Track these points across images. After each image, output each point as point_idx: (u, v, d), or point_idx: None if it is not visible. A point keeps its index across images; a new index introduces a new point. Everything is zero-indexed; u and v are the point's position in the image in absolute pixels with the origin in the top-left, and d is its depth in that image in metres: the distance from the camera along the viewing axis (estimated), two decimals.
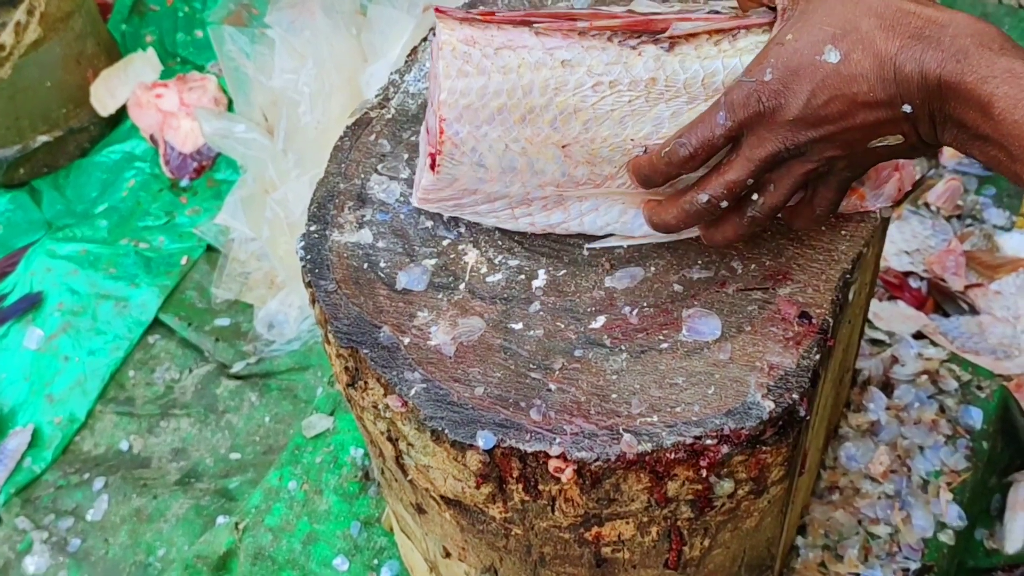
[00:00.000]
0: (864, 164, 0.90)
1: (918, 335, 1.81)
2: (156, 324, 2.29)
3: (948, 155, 2.21)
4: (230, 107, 2.58)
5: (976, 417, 1.62)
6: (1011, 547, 1.63)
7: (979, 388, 1.66)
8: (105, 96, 2.68)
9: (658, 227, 0.97)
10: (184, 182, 2.56)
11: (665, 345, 0.97)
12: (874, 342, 1.75)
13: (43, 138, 2.61)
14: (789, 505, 1.20)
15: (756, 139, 0.87)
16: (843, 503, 1.53)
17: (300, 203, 2.10)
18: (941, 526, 1.53)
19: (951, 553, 1.53)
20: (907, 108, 0.82)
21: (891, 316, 1.83)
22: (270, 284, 2.28)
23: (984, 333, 1.91)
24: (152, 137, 2.60)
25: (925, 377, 1.67)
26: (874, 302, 1.81)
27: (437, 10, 0.95)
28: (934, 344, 1.76)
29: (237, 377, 2.16)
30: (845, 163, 0.88)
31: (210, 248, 2.40)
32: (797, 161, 0.88)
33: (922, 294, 2.01)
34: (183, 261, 2.39)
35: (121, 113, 2.68)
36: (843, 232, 1.05)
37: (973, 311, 1.98)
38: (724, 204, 0.90)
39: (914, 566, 1.49)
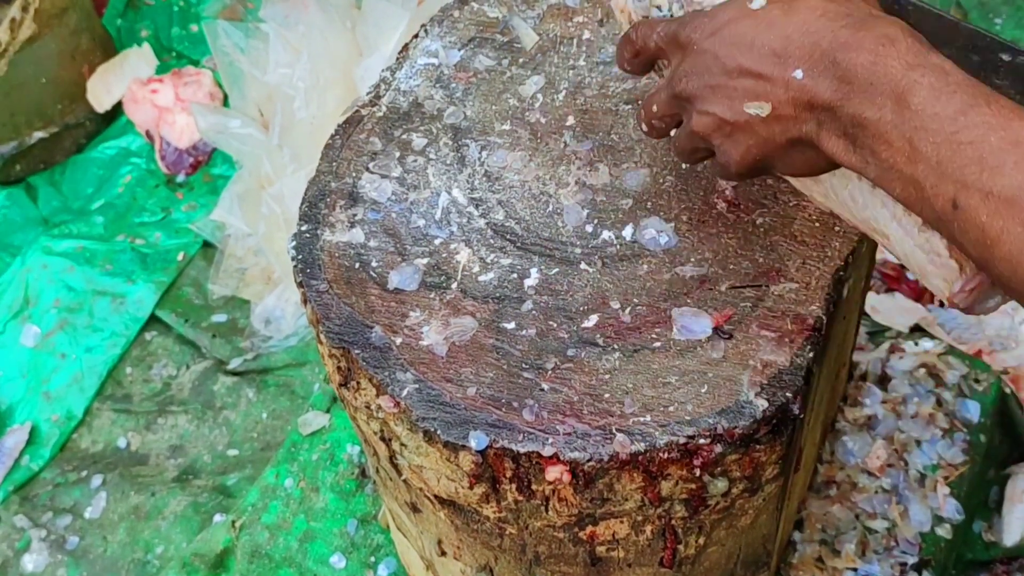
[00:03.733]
0: (742, 150, 0.86)
1: (916, 328, 1.80)
2: (153, 320, 2.28)
3: None
4: (225, 102, 2.57)
5: (973, 410, 1.62)
6: (1009, 539, 1.63)
7: (976, 381, 1.66)
8: (101, 92, 2.67)
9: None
10: (180, 177, 2.56)
11: (658, 344, 0.97)
12: (871, 335, 1.74)
13: (39, 134, 2.61)
14: (785, 502, 1.20)
15: (673, 64, 0.90)
16: (840, 498, 1.53)
17: (296, 198, 2.10)
18: (939, 520, 1.52)
19: (949, 547, 1.53)
20: (798, 73, 0.79)
21: (888, 309, 1.83)
22: (267, 280, 2.28)
23: (982, 325, 1.90)
24: (148, 133, 2.59)
25: (923, 370, 1.67)
26: (871, 295, 1.80)
27: None
28: (932, 337, 1.76)
29: (234, 373, 2.16)
30: (726, 134, 0.86)
31: (206, 244, 2.40)
32: (690, 110, 0.89)
33: (919, 286, 2.01)
34: (180, 257, 2.38)
35: (117, 109, 2.68)
36: (836, 228, 1.04)
37: None
38: (643, 127, 0.96)
39: (912, 560, 1.49)
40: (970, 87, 0.72)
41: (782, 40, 0.79)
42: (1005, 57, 1.05)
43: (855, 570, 1.47)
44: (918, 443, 1.59)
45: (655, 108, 0.92)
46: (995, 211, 0.68)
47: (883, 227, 0.89)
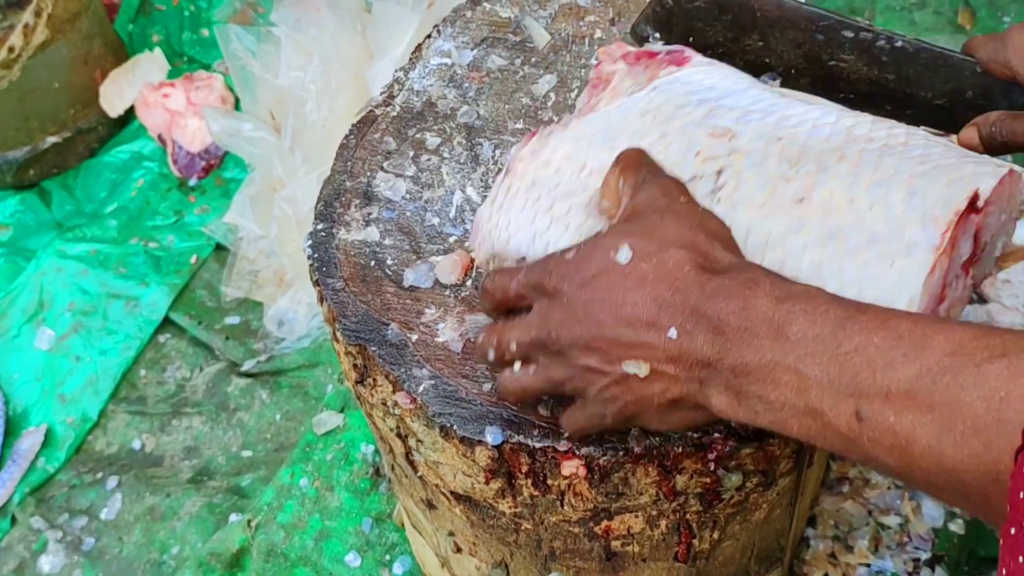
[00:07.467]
0: (618, 406, 0.83)
1: None
2: (166, 323, 2.29)
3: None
4: (237, 105, 2.58)
5: None
6: None
7: None
8: (114, 97, 2.68)
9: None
10: (192, 181, 2.57)
11: None
12: None
13: (52, 139, 2.62)
14: (798, 497, 1.20)
15: (538, 309, 0.85)
16: (853, 494, 1.53)
17: (308, 200, 2.11)
18: (951, 516, 1.52)
19: (962, 543, 1.53)
20: (672, 332, 0.77)
21: None
22: (279, 282, 2.29)
23: (993, 322, 1.90)
24: (160, 136, 2.60)
25: None
26: None
27: None
28: None
29: (248, 375, 2.17)
30: (602, 386, 0.83)
31: (219, 247, 2.41)
32: (560, 360, 0.84)
33: None
34: (193, 260, 2.40)
35: (129, 113, 2.69)
36: None
37: (982, 300, 1.97)
38: (490, 355, 0.89)
39: (925, 556, 1.49)
40: (840, 303, 0.73)
41: (652, 299, 0.78)
42: (848, 34, 1.10)
43: (868, 566, 1.47)
44: None
45: (513, 347, 0.87)
46: (900, 408, 0.67)
47: None
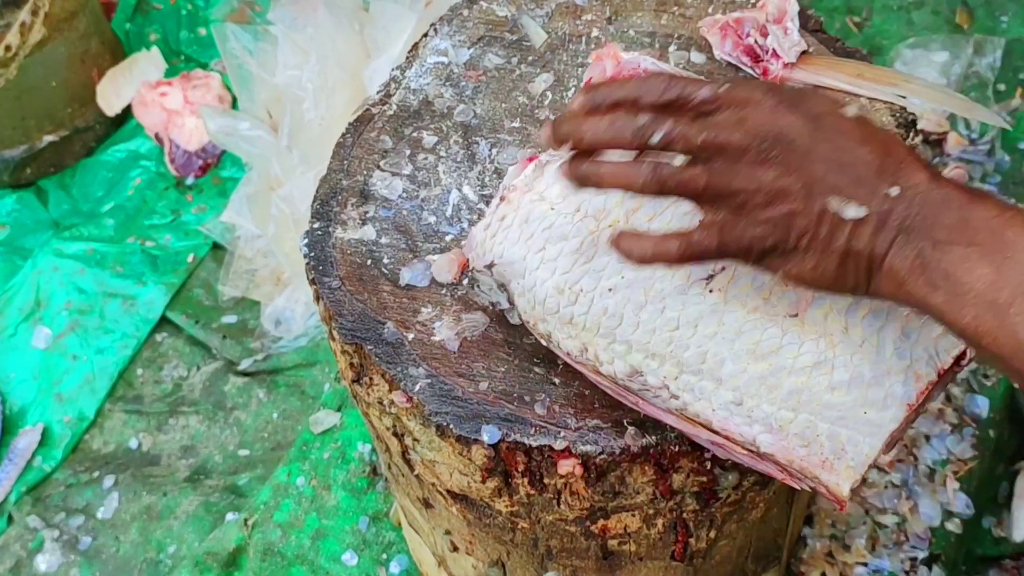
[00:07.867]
0: (822, 242, 0.78)
1: None
2: (163, 322, 2.29)
3: (952, 143, 2.20)
4: (234, 104, 2.58)
5: (982, 405, 1.62)
6: (1018, 535, 1.63)
7: (985, 376, 1.66)
8: (111, 96, 2.68)
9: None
10: (189, 180, 2.56)
11: None
12: None
13: (49, 138, 2.62)
14: (795, 495, 1.20)
15: (736, 114, 0.80)
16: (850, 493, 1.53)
17: (305, 199, 2.10)
18: (948, 515, 1.53)
19: (958, 542, 1.53)
20: (894, 190, 0.76)
21: None
22: (277, 281, 2.29)
23: None
24: (157, 135, 2.60)
25: None
26: None
27: None
28: None
29: (245, 374, 2.17)
30: (788, 212, 0.78)
31: (216, 246, 2.40)
32: (748, 168, 0.79)
33: None
34: (190, 259, 2.39)
35: (126, 112, 2.69)
36: None
37: None
38: (656, 138, 0.80)
39: (922, 555, 1.49)
40: None
41: (881, 158, 0.78)
42: None
43: (865, 565, 1.47)
44: (927, 438, 1.59)
45: (701, 138, 0.79)
46: None
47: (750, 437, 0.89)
